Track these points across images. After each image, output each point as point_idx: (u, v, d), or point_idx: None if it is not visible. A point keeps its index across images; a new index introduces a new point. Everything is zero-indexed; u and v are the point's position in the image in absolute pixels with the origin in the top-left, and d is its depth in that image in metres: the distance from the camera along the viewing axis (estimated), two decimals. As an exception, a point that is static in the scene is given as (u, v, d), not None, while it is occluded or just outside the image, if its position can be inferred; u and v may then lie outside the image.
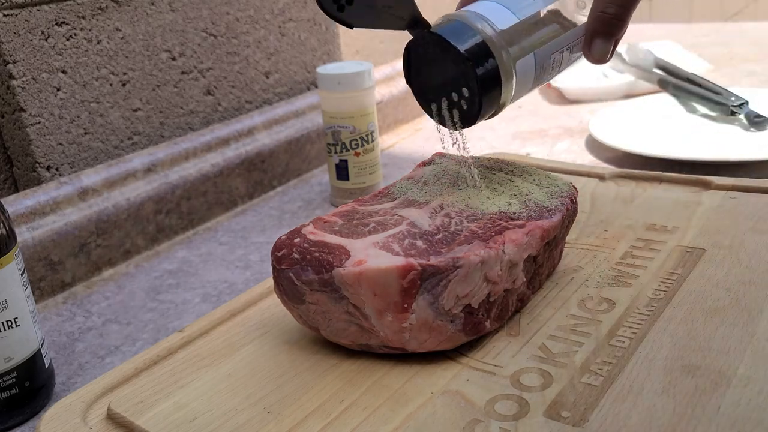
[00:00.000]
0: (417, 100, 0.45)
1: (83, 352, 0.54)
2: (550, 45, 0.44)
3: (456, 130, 0.44)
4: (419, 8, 0.42)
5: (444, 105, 0.43)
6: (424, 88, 0.44)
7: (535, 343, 0.41)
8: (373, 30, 1.05)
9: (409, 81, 0.45)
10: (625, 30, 0.43)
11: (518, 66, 0.42)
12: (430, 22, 0.43)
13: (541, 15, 0.44)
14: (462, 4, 0.46)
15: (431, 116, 0.45)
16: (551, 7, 0.44)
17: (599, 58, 0.44)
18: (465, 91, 0.42)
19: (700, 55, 1.15)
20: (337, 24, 0.97)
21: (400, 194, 0.48)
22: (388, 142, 0.98)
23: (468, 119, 0.43)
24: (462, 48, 0.41)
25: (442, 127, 0.45)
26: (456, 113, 0.43)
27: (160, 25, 0.74)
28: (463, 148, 0.46)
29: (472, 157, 0.54)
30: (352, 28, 0.41)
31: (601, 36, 0.43)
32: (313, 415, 0.37)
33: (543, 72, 0.44)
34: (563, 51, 0.45)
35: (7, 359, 0.44)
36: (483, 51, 0.41)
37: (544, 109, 1.05)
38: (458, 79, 0.42)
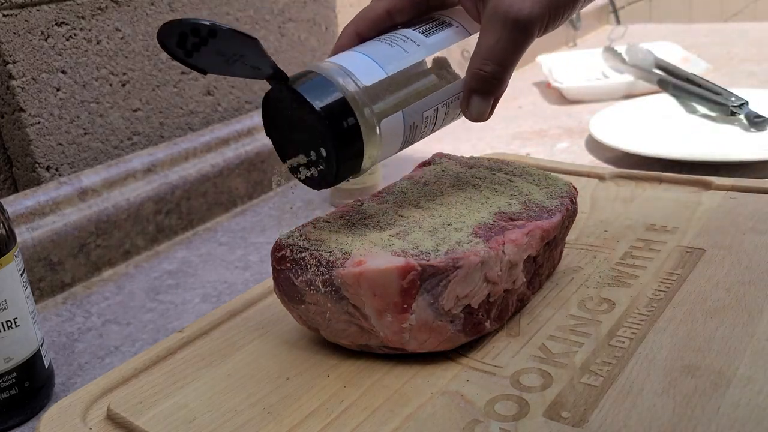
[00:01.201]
0: (277, 153, 0.41)
1: (83, 352, 0.54)
2: (423, 102, 0.41)
3: (317, 189, 0.41)
4: (274, 59, 0.39)
5: (303, 163, 0.40)
6: (283, 142, 0.41)
7: (535, 344, 0.41)
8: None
9: (268, 132, 0.41)
10: (504, 89, 0.41)
11: (383, 125, 0.39)
12: (289, 74, 0.39)
13: (415, 69, 0.41)
14: (335, 51, 0.43)
15: (291, 173, 0.41)
16: (426, 61, 0.41)
17: (477, 116, 0.42)
18: (323, 151, 0.38)
19: (700, 56, 1.15)
20: (337, 24, 0.97)
21: (400, 194, 0.48)
22: (388, 142, 0.98)
23: (327, 180, 0.40)
24: (319, 105, 0.37)
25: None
26: (314, 172, 0.40)
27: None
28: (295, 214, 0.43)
29: (471, 158, 0.54)
30: (205, 74, 0.37)
31: (479, 94, 0.41)
32: (312, 416, 0.37)
33: (415, 130, 0.41)
34: (439, 107, 0.42)
35: (7, 359, 0.44)
36: (342, 109, 0.38)
37: (544, 110, 1.05)
38: (316, 137, 0.38)
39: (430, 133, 0.44)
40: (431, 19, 0.43)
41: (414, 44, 0.41)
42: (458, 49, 0.43)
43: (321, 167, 0.39)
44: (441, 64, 0.43)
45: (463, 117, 0.43)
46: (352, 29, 0.43)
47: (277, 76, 0.38)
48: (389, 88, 0.40)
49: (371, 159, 0.40)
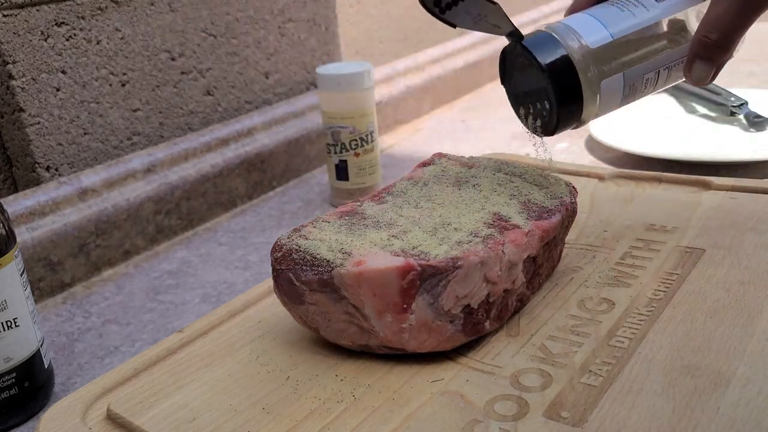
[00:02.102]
0: (510, 101, 0.46)
1: (83, 352, 0.54)
2: (644, 65, 0.43)
3: (538, 136, 0.45)
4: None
5: (530, 111, 0.44)
6: (514, 92, 0.46)
7: (534, 344, 0.41)
8: (372, 31, 1.05)
9: (503, 82, 0.46)
10: (730, 56, 0.43)
11: (604, 85, 0.42)
12: (524, 32, 0.44)
13: (642, 33, 0.43)
14: (570, 11, 0.46)
15: (519, 119, 0.46)
16: (654, 24, 0.44)
17: (699, 81, 0.44)
18: (546, 103, 0.43)
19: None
20: (337, 24, 0.97)
21: (399, 195, 0.48)
22: (388, 142, 0.98)
23: (547, 129, 0.44)
24: (544, 62, 0.41)
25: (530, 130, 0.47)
26: (538, 121, 0.44)
27: (160, 25, 0.74)
28: (544, 151, 0.47)
29: (471, 158, 0.54)
30: (455, 27, 0.42)
31: (703, 60, 0.43)
32: (312, 416, 0.37)
33: (633, 91, 0.44)
34: (660, 71, 0.44)
35: (7, 359, 0.44)
36: (565, 67, 0.41)
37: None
38: (541, 90, 0.43)
39: (651, 93, 0.46)
40: None
41: (644, 8, 0.43)
42: (693, 12, 0.44)
43: (544, 117, 0.44)
44: (674, 27, 0.44)
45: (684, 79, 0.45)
46: None
47: (513, 33, 0.42)
48: (613, 49, 0.42)
49: (589, 114, 0.44)
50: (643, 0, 0.44)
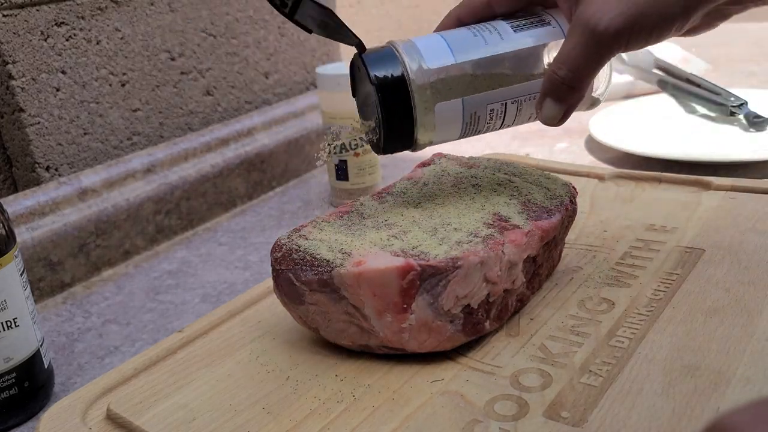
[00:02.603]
0: (358, 113, 0.45)
1: (83, 352, 0.54)
2: (488, 95, 0.41)
3: (377, 154, 0.44)
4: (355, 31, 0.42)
5: (369, 127, 0.43)
6: (360, 105, 0.45)
7: (534, 344, 0.41)
8: (372, 31, 1.05)
9: (353, 94, 0.45)
10: (579, 98, 0.40)
11: (439, 108, 0.41)
12: (380, 45, 0.42)
13: (489, 61, 0.41)
14: (436, 31, 0.44)
15: (365, 134, 0.44)
16: (505, 54, 0.42)
17: (546, 120, 0.41)
18: (378, 119, 0.41)
19: (700, 56, 1.15)
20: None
21: (399, 195, 0.48)
22: (388, 142, 0.98)
23: (378, 147, 0.43)
24: (376, 76, 0.40)
25: None
26: (374, 138, 0.43)
27: (160, 25, 0.74)
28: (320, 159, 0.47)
29: (470, 158, 0.54)
30: (310, 32, 0.41)
31: (551, 98, 0.40)
32: (312, 416, 0.37)
33: (476, 120, 0.42)
34: (507, 103, 0.42)
35: (7, 359, 0.44)
36: (397, 84, 0.40)
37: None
38: (375, 105, 0.41)
39: (503, 127, 0.44)
40: (531, 14, 0.43)
41: (498, 36, 0.42)
42: (550, 49, 0.42)
43: (377, 133, 0.42)
44: (530, 60, 0.42)
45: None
46: (456, 13, 0.44)
47: (357, 44, 0.41)
48: (454, 74, 0.41)
49: (425, 138, 0.42)
50: (499, 28, 0.42)
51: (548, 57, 0.42)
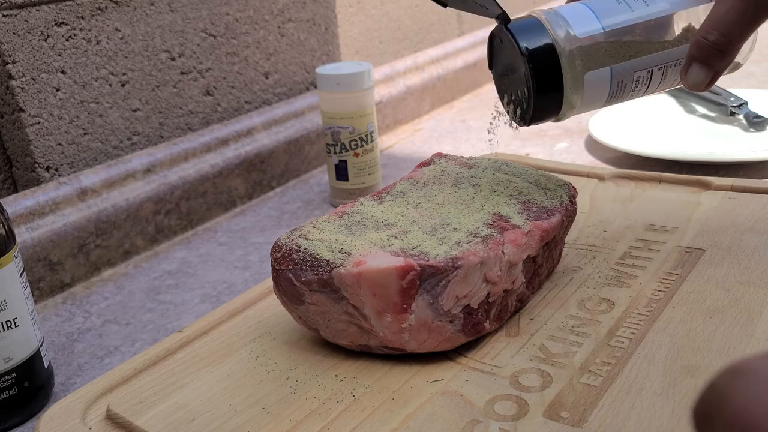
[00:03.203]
0: (495, 87, 0.45)
1: (82, 352, 0.54)
2: (636, 62, 0.41)
3: (519, 125, 0.44)
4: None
5: (512, 98, 0.43)
6: (499, 77, 0.44)
7: (534, 344, 0.41)
8: (372, 31, 1.05)
9: (490, 67, 0.45)
10: (728, 63, 0.40)
11: (588, 77, 0.41)
12: (513, 16, 0.42)
13: (636, 27, 0.41)
14: (569, 0, 0.44)
15: (503, 106, 0.45)
16: (652, 21, 0.41)
17: (693, 85, 0.41)
18: (525, 91, 0.41)
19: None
20: (337, 24, 0.97)
21: (399, 195, 0.48)
22: (388, 142, 0.98)
23: (524, 118, 0.43)
24: (525, 47, 0.40)
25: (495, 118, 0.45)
26: (518, 109, 0.43)
27: (160, 25, 0.74)
28: (496, 143, 0.46)
29: (470, 158, 0.54)
30: (445, 6, 0.42)
31: (699, 63, 0.40)
32: (312, 416, 0.37)
33: (622, 88, 0.42)
34: (653, 70, 0.42)
35: (7, 360, 0.44)
36: (547, 53, 0.40)
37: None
38: (522, 77, 0.41)
39: (646, 94, 0.44)
40: None
41: (642, 2, 0.42)
42: (704, 11, 0.42)
43: (523, 105, 0.42)
44: (676, 25, 0.42)
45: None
46: None
47: (501, 16, 0.41)
48: (602, 42, 0.41)
49: (571, 107, 0.42)
50: None
51: (697, 21, 0.42)
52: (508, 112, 0.44)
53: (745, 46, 0.43)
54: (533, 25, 0.41)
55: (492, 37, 0.43)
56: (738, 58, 0.43)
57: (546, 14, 0.41)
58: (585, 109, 0.43)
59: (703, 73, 0.41)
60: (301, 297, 0.41)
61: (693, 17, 0.42)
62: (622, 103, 0.44)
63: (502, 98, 0.44)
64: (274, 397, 0.39)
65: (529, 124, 0.43)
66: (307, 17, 0.92)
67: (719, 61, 0.40)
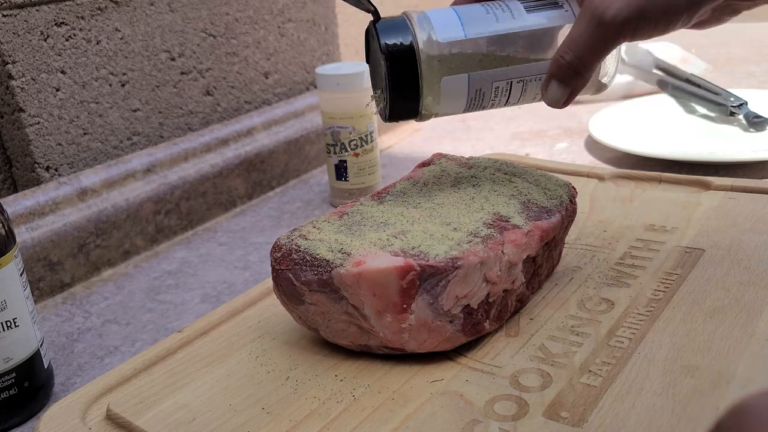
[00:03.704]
0: (370, 81, 0.46)
1: (82, 352, 0.54)
2: (495, 72, 0.42)
3: (384, 121, 0.45)
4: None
5: (378, 95, 0.44)
6: (371, 73, 0.46)
7: (534, 344, 0.41)
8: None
9: (367, 60, 0.46)
10: (584, 82, 0.41)
11: (445, 81, 0.41)
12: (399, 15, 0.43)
13: (499, 38, 0.42)
14: (452, 5, 0.45)
15: (374, 97, 0.46)
16: (515, 34, 0.42)
17: (551, 102, 0.42)
18: (385, 87, 0.42)
19: (699, 56, 1.15)
20: (337, 24, 0.97)
21: (399, 195, 0.48)
22: (388, 142, 0.98)
23: (384, 114, 0.44)
24: (386, 45, 0.41)
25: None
26: (380, 105, 0.44)
27: (160, 25, 0.74)
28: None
29: (470, 158, 0.54)
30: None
31: (557, 80, 0.41)
32: (312, 416, 0.37)
33: (481, 96, 0.43)
34: (513, 82, 0.43)
35: (6, 360, 0.44)
36: (406, 54, 0.41)
37: (543, 110, 1.04)
38: (384, 73, 0.42)
39: (507, 105, 0.45)
40: None
41: (510, 15, 0.42)
42: (565, 31, 0.42)
43: (384, 102, 0.43)
44: (540, 40, 0.43)
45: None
46: None
47: (372, 12, 0.43)
48: (462, 49, 0.41)
49: (429, 109, 0.43)
50: (513, 7, 0.42)
51: (559, 40, 0.42)
52: (377, 105, 0.45)
53: (609, 68, 0.44)
54: (399, 24, 0.42)
55: (367, 32, 0.44)
56: (603, 79, 0.44)
57: (415, 15, 0.42)
58: (445, 113, 0.44)
59: (561, 90, 0.41)
60: (301, 297, 0.41)
61: (559, 34, 0.43)
62: (485, 111, 0.45)
63: (374, 92, 0.45)
64: (274, 397, 0.39)
65: (389, 121, 0.44)
66: (307, 17, 0.92)
67: (575, 80, 0.41)
